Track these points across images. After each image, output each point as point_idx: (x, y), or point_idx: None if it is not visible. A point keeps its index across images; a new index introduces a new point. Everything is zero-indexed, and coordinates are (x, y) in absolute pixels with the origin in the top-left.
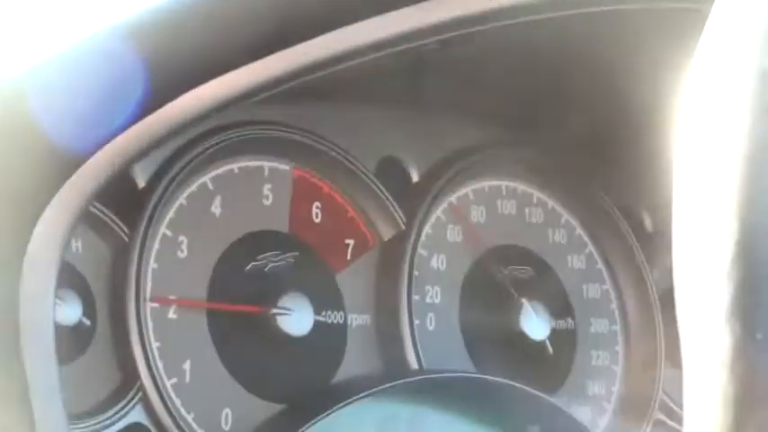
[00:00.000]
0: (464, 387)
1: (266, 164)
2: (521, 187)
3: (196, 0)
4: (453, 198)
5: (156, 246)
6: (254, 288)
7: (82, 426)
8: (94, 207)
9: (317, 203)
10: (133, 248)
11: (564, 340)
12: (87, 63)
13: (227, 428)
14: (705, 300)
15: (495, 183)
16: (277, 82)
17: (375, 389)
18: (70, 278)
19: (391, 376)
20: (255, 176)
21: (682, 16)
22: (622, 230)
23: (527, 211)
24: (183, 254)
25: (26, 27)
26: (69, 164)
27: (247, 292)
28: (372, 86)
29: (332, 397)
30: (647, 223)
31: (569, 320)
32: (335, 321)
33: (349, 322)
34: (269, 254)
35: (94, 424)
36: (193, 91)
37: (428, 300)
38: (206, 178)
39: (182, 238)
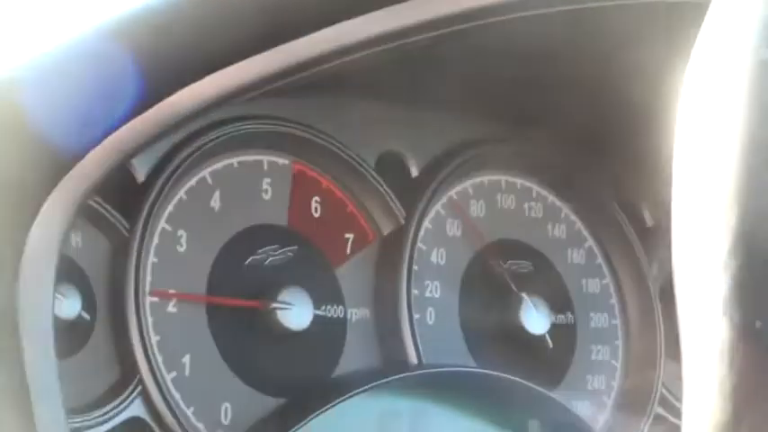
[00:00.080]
0: (464, 382)
1: (265, 158)
2: (520, 182)
3: None
4: (453, 192)
5: (156, 240)
6: (254, 282)
7: (81, 420)
8: (94, 201)
9: (316, 198)
10: (133, 243)
11: (564, 335)
12: (83, 59)
13: (226, 422)
14: (704, 290)
15: (494, 177)
16: (273, 78)
17: (375, 383)
18: (70, 272)
19: (391, 371)
20: (255, 171)
21: (682, 9)
22: (622, 225)
23: (526, 205)
24: (182, 248)
25: (21, 24)
26: (67, 159)
27: (247, 287)
28: (372, 81)
29: (331, 391)
30: (647, 217)
31: (569, 315)
32: (335, 316)
33: (348, 316)
34: (268, 248)
35: (94, 418)
36: (190, 87)
37: (428, 294)
38: (205, 173)
39: (181, 232)
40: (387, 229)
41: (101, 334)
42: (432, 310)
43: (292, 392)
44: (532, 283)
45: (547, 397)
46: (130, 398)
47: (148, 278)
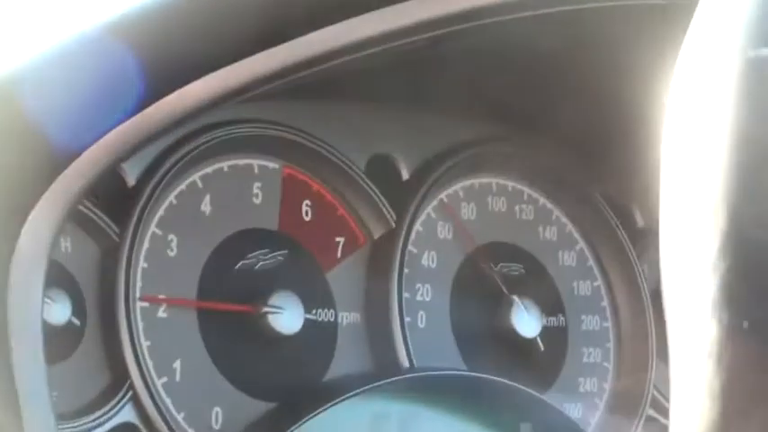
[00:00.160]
0: (455, 385)
1: (256, 162)
2: (511, 184)
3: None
4: (443, 195)
5: (146, 244)
6: (245, 286)
7: (72, 426)
8: (84, 206)
9: (306, 201)
10: (123, 247)
11: (555, 337)
12: (78, 60)
13: (217, 427)
14: (692, 290)
15: (485, 180)
16: (269, 79)
17: (366, 387)
18: (60, 277)
19: (382, 374)
20: (245, 175)
21: (671, 12)
22: (613, 227)
23: (517, 208)
24: (172, 252)
25: (18, 24)
26: (58, 162)
27: (237, 291)
28: (362, 84)
29: (323, 395)
30: (638, 220)
31: (560, 317)
32: (326, 319)
33: (339, 320)
34: (259, 252)
35: (84, 423)
36: (181, 89)
37: (419, 297)
38: (196, 177)
39: (171, 236)
40: (377, 232)
41: (91, 339)
42: (423, 314)
43: (283, 397)
44: (524, 286)
45: (538, 400)
46: (121, 403)
47: (139, 283)
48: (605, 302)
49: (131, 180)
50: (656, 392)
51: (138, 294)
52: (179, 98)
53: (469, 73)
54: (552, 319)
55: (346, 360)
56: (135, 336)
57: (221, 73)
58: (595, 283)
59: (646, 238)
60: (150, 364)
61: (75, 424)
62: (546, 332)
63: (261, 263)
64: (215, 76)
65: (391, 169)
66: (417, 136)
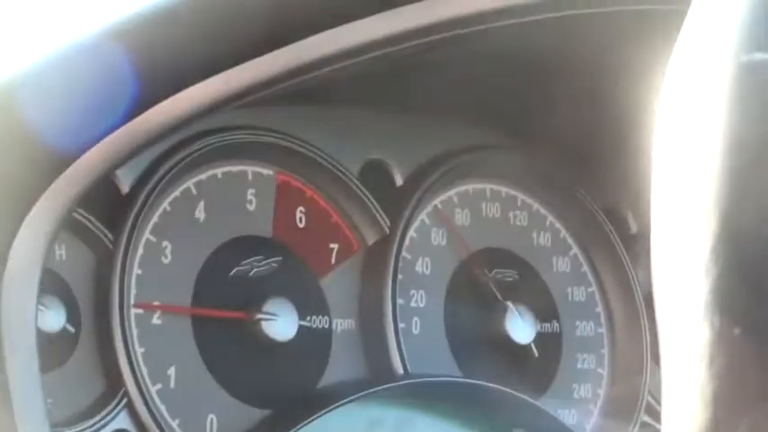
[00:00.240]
0: (449, 391)
1: (250, 168)
2: (505, 190)
3: (182, 5)
4: (437, 201)
5: (140, 251)
6: (239, 293)
7: None
8: (78, 213)
9: (300, 208)
10: (117, 254)
11: (549, 343)
12: (72, 67)
13: None
14: (683, 294)
15: (479, 186)
16: (262, 86)
17: (360, 394)
18: (54, 285)
19: (376, 381)
20: (239, 181)
21: (663, 17)
22: (607, 233)
23: (511, 214)
24: (167, 259)
25: (15, 28)
26: (52, 169)
27: (232, 298)
28: (356, 90)
29: (317, 402)
30: (632, 225)
31: (555, 323)
32: (320, 326)
33: (334, 327)
34: (253, 259)
35: (79, 431)
36: (175, 96)
37: (413, 304)
38: (189, 183)
39: (165, 243)
40: (371, 238)
41: (86, 346)
42: (417, 320)
43: (278, 404)
44: (518, 292)
45: (533, 406)
46: (116, 410)
47: (133, 290)
48: (599, 308)
49: (125, 187)
50: (650, 398)
51: (132, 301)
52: (173, 105)
53: (463, 78)
54: (546, 325)
55: (341, 367)
56: (129, 343)
57: (216, 79)
58: (590, 289)
59: (639, 244)
60: (145, 370)
61: (70, 431)
62: (540, 338)
63: (255, 269)
64: (209, 82)
65: (385, 175)
66: (411, 142)
